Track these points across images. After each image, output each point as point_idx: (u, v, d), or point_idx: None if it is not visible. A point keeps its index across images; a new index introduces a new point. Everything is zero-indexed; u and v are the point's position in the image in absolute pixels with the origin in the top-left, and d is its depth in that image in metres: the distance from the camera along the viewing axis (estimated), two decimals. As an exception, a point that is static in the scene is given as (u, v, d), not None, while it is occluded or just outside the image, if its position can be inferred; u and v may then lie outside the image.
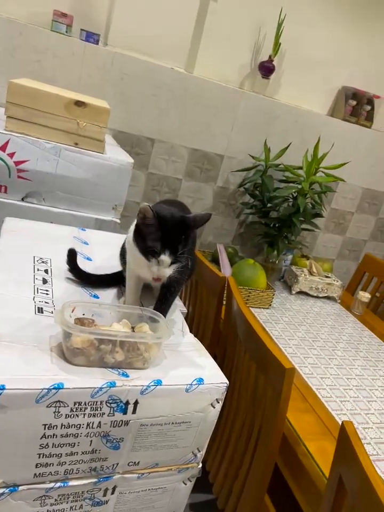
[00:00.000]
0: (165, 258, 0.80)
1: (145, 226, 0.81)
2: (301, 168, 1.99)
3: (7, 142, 1.34)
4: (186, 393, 0.76)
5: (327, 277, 2.02)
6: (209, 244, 2.27)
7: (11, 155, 1.36)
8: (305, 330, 1.64)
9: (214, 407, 0.79)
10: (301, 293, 1.97)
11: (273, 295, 1.76)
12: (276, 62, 2.06)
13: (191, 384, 0.76)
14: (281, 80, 2.17)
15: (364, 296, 1.90)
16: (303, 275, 1.95)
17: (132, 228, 0.89)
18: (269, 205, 2.08)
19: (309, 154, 1.97)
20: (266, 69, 2.05)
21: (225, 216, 2.28)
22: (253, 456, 1.11)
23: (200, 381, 0.77)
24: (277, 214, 2.08)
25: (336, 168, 1.96)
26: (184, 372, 0.79)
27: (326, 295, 1.98)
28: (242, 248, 2.36)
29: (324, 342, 1.58)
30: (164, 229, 0.79)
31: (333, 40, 2.16)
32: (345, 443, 0.82)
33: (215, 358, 0.89)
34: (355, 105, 2.24)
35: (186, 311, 1.13)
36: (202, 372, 0.79)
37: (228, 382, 0.80)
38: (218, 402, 0.79)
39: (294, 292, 1.95)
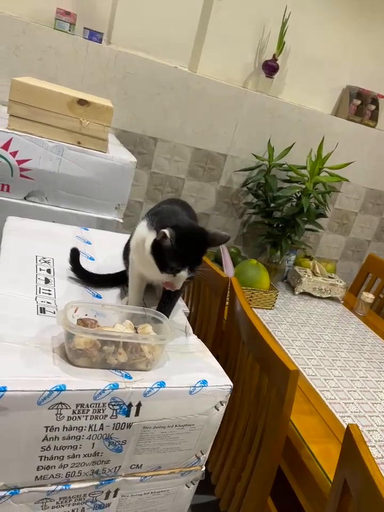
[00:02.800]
0: (183, 274, 0.81)
1: (165, 247, 0.80)
2: (304, 167, 1.97)
3: (10, 141, 1.33)
4: (190, 396, 0.75)
5: (330, 277, 2.01)
6: (211, 243, 2.26)
7: (14, 154, 1.35)
8: (309, 331, 1.63)
9: (218, 410, 0.78)
10: (304, 293, 1.95)
11: (276, 295, 1.75)
12: (280, 61, 2.05)
13: (194, 387, 0.75)
14: (285, 79, 2.15)
15: (368, 297, 1.89)
16: (306, 276, 1.94)
17: (139, 230, 0.89)
18: (272, 204, 2.06)
19: (313, 154, 1.95)
20: (270, 68, 2.04)
21: (228, 216, 2.27)
22: (256, 458, 1.10)
23: (204, 383, 0.76)
24: (281, 214, 2.07)
25: (340, 168, 1.95)
26: (187, 373, 0.78)
27: (329, 295, 1.97)
28: (244, 249, 2.34)
29: (328, 343, 1.57)
30: (183, 250, 0.79)
31: (338, 39, 2.14)
32: (351, 447, 0.80)
33: (217, 358, 0.88)
34: (359, 105, 2.23)
35: (188, 311, 1.12)
36: (206, 374, 0.78)
37: (232, 385, 0.79)
38: (222, 405, 0.78)
39: (297, 293, 1.94)
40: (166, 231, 0.76)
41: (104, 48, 1.80)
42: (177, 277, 0.81)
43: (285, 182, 2.09)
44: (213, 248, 2.14)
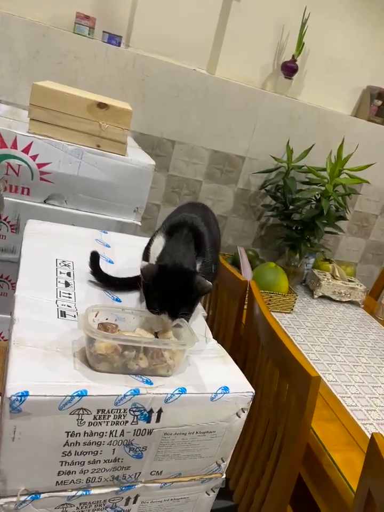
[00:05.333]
0: (165, 318, 0.77)
1: (144, 283, 0.78)
2: (324, 169, 1.95)
3: (30, 145, 1.34)
4: (211, 402, 0.74)
5: (350, 281, 1.97)
6: (229, 246, 2.25)
7: (34, 157, 1.36)
8: (328, 336, 1.60)
9: (239, 417, 0.77)
10: (323, 297, 1.93)
11: (295, 299, 1.72)
12: (299, 62, 2.02)
13: (216, 393, 0.74)
14: (304, 80, 2.13)
15: (389, 301, 1.85)
16: (325, 279, 1.91)
17: (157, 240, 0.89)
18: (291, 207, 2.04)
19: (332, 156, 1.93)
20: (289, 69, 2.02)
21: (245, 218, 2.25)
22: (275, 465, 1.08)
23: (226, 389, 0.75)
24: (299, 216, 2.04)
25: (360, 169, 1.92)
26: (208, 380, 0.76)
27: (349, 299, 1.94)
28: (262, 251, 2.32)
29: (348, 348, 1.54)
30: (163, 291, 0.76)
31: (358, 39, 2.11)
32: (375, 456, 0.79)
33: (235, 363, 0.86)
34: (380, 105, 2.19)
35: (206, 314, 1.11)
36: (227, 380, 0.77)
37: (254, 392, 0.77)
38: (244, 412, 0.77)
39: (316, 296, 1.91)
40: (142, 268, 0.75)
41: (122, 52, 1.81)
42: (161, 318, 0.77)
43: (304, 184, 2.07)
44: (228, 252, 2.12)
